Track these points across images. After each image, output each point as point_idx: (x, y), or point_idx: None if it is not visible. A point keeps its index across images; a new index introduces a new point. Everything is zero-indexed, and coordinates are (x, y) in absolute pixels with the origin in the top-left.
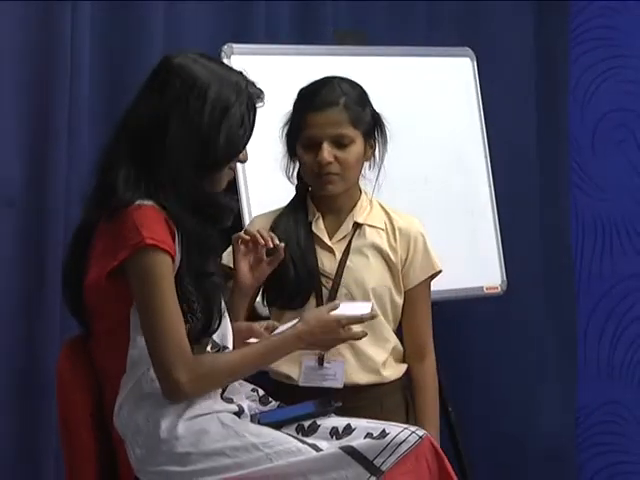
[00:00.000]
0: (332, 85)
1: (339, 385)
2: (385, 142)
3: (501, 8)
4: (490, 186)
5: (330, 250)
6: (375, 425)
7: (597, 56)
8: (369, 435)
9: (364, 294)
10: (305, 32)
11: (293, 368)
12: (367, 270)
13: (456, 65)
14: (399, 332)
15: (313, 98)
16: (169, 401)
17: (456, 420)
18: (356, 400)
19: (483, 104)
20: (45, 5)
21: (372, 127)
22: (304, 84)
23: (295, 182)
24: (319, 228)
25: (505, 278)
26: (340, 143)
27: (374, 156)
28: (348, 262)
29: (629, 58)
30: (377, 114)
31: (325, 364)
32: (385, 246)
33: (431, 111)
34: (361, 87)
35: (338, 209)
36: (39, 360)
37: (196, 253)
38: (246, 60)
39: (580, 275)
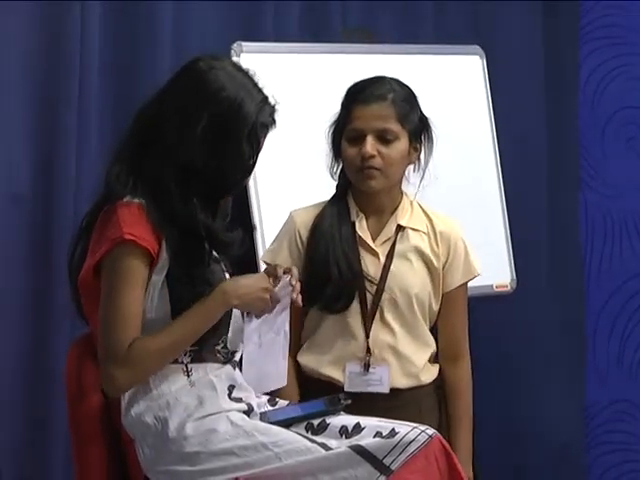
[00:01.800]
0: (382, 81)
1: (385, 390)
2: (431, 147)
3: (510, 6)
4: (500, 184)
5: (374, 253)
6: (385, 424)
7: (607, 54)
8: (378, 434)
9: (408, 300)
10: (314, 30)
11: (338, 372)
12: (411, 276)
13: (465, 63)
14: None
15: (361, 92)
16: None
17: None
18: (395, 401)
19: (493, 102)
20: (54, 5)
21: (419, 129)
22: (314, 81)
23: (337, 180)
24: (363, 229)
25: (515, 276)
26: (384, 138)
27: (419, 160)
28: (392, 267)
29: (639, 56)
30: (425, 118)
31: (370, 369)
32: (427, 250)
33: (440, 110)
34: (411, 88)
35: (380, 210)
36: (49, 358)
37: (180, 258)
38: (255, 58)
39: (589, 272)
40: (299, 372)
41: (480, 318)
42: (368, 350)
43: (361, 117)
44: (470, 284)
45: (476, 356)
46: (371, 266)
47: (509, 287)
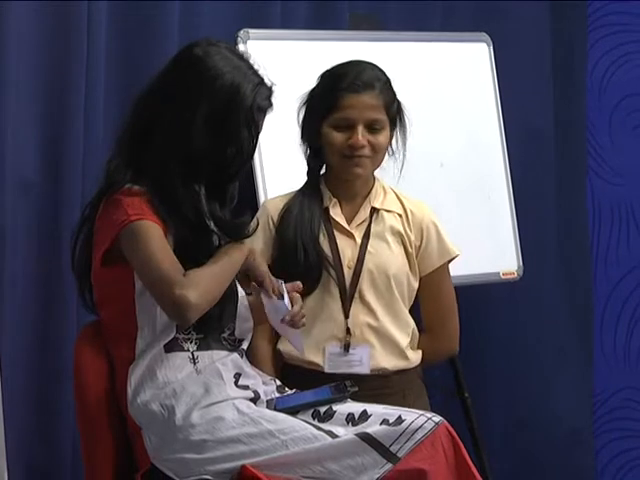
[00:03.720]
0: (364, 67)
1: (366, 371)
2: (405, 131)
3: None
4: (506, 171)
5: (350, 235)
6: (391, 411)
7: (615, 41)
8: (385, 421)
9: (386, 280)
10: (321, 17)
11: (319, 356)
12: (389, 256)
13: (473, 51)
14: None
15: (349, 79)
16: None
17: (472, 406)
18: (381, 386)
19: (500, 89)
20: None
21: (396, 115)
22: (320, 67)
23: (308, 165)
24: (337, 213)
25: (522, 264)
26: (373, 127)
27: (391, 144)
28: (369, 248)
29: None
30: (400, 103)
31: (350, 350)
32: (402, 230)
33: (447, 97)
34: (387, 74)
35: (354, 195)
36: (57, 347)
37: (185, 249)
38: (262, 45)
39: (597, 260)
40: (280, 360)
41: (487, 305)
42: (348, 331)
43: (352, 106)
44: (477, 271)
45: (484, 343)
46: (347, 248)
47: (516, 274)
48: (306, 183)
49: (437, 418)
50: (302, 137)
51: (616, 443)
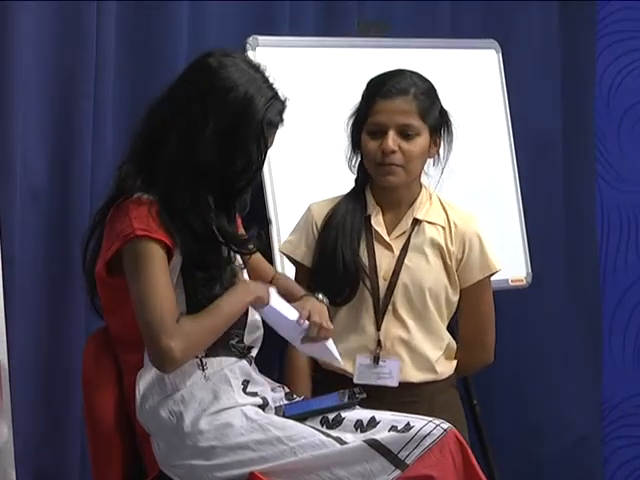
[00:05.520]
0: (403, 75)
1: (394, 384)
2: (451, 141)
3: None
4: (515, 178)
5: (388, 247)
6: (400, 418)
7: (623, 48)
8: (394, 428)
9: (421, 294)
10: (330, 24)
11: (348, 364)
12: (425, 270)
13: (481, 57)
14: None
15: (383, 85)
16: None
17: (481, 412)
18: (406, 396)
19: (508, 96)
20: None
21: (439, 124)
22: (329, 75)
23: (355, 173)
24: (378, 223)
25: (530, 271)
26: (406, 133)
27: (438, 154)
28: (406, 260)
29: None
30: (445, 111)
31: (380, 362)
32: (443, 243)
33: (456, 103)
34: (431, 82)
35: (398, 204)
36: (65, 353)
37: (194, 260)
38: (271, 52)
39: (605, 267)
40: (315, 365)
41: (495, 312)
42: (379, 343)
43: (383, 111)
44: None
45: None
46: (385, 259)
47: (525, 281)
48: (352, 190)
49: (445, 425)
50: (351, 145)
51: (624, 450)
